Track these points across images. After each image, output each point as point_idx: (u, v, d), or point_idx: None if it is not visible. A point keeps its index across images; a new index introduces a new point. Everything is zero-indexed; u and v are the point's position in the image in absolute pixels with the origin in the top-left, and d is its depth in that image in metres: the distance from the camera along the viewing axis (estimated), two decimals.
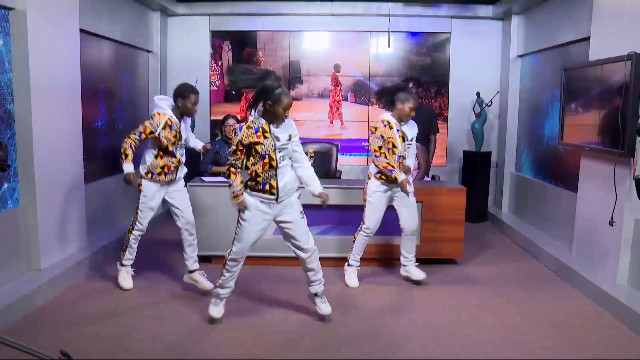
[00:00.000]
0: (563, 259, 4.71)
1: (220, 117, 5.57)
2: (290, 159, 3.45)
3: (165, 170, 4.02)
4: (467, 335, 3.44)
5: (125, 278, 4.19)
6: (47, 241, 4.20)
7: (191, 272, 4.17)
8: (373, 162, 4.21)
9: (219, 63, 7.35)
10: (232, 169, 3.32)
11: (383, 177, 4.20)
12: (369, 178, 4.28)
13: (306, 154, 4.96)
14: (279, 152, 3.32)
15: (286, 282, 4.34)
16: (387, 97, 4.23)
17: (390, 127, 4.16)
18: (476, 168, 6.85)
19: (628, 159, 3.81)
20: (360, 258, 4.42)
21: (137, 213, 4.07)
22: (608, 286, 3.96)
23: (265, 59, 7.30)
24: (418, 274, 4.36)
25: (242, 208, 3.35)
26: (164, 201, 4.14)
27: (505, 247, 5.76)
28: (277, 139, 3.31)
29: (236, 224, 3.43)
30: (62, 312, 3.70)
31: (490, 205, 7.16)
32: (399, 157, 4.19)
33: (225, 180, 4.90)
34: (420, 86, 6.09)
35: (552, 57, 5.84)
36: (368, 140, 4.29)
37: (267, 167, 3.30)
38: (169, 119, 3.94)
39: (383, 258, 4.85)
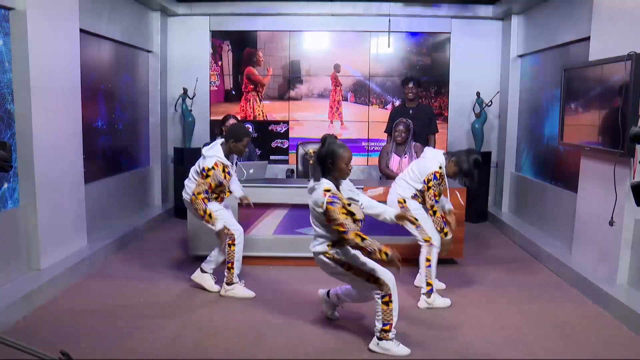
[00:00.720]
0: (563, 259, 4.71)
1: (220, 117, 5.56)
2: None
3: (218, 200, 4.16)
4: (467, 335, 3.44)
5: (243, 289, 4.10)
6: (47, 241, 4.19)
7: (204, 271, 4.22)
8: (427, 203, 3.99)
9: (219, 63, 7.35)
10: (357, 233, 3.07)
11: (419, 199, 4.05)
12: (404, 202, 4.05)
13: (306, 154, 4.99)
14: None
15: (286, 282, 4.34)
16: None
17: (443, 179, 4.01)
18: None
19: (628, 159, 3.81)
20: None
21: (226, 228, 4.05)
22: (608, 286, 3.96)
23: (265, 59, 7.30)
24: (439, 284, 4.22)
25: (397, 258, 3.07)
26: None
27: (505, 247, 5.76)
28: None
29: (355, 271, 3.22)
30: (62, 312, 3.70)
31: (490, 205, 7.16)
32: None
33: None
34: (420, 86, 6.09)
35: (552, 57, 5.84)
36: (420, 175, 4.05)
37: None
38: (225, 167, 4.01)
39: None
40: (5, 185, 3.88)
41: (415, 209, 4.00)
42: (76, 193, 4.69)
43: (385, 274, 3.21)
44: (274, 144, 7.39)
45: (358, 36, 7.28)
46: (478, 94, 6.90)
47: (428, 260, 3.99)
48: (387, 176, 5.38)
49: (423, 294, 3.98)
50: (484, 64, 7.14)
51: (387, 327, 3.19)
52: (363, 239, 3.03)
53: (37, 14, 4.00)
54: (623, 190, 3.86)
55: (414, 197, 4.04)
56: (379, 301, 3.20)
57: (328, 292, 3.64)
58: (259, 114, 7.39)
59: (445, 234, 3.94)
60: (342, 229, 3.04)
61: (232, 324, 3.57)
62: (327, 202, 3.04)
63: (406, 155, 5.23)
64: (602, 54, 4.20)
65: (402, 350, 3.20)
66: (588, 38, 4.56)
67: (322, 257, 3.25)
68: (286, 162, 7.36)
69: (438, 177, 3.95)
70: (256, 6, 7.06)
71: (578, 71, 4.59)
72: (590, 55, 4.45)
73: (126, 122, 6.20)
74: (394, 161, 5.27)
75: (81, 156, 4.78)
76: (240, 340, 3.34)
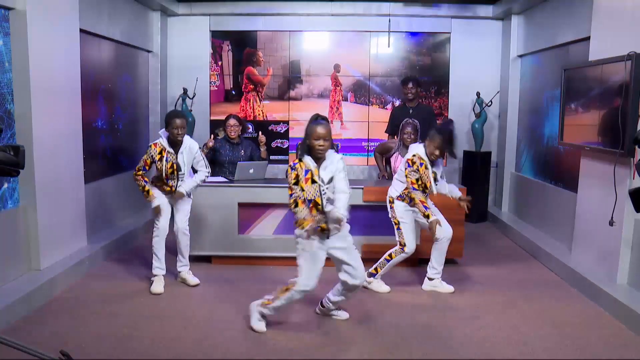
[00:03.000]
0: (563, 259, 4.71)
1: (220, 117, 5.57)
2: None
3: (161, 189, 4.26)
4: (467, 335, 3.44)
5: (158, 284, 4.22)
6: (47, 241, 4.19)
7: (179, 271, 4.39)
8: (410, 194, 4.05)
9: (219, 63, 7.35)
10: (296, 199, 3.29)
11: (406, 200, 4.12)
12: (392, 202, 4.18)
13: None
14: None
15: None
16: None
17: (426, 167, 4.06)
18: (476, 168, 6.84)
19: (628, 159, 3.81)
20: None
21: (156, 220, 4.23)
22: (608, 286, 3.96)
23: (265, 59, 7.30)
24: (447, 288, 4.25)
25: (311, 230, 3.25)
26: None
27: (505, 247, 5.76)
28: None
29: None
30: (62, 312, 3.70)
31: (490, 205, 7.16)
32: (427, 194, 4.12)
33: (226, 180, 4.92)
34: (420, 86, 6.07)
35: (552, 57, 5.84)
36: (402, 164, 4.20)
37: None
38: (163, 150, 4.14)
39: None
40: (5, 185, 3.88)
41: (400, 211, 4.14)
42: (76, 193, 4.68)
43: (302, 279, 3.33)
44: (274, 144, 7.38)
45: (358, 36, 7.28)
46: (478, 94, 6.90)
47: (391, 256, 4.19)
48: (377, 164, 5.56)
49: (428, 277, 4.29)
50: (484, 64, 7.14)
51: (266, 302, 3.46)
52: (296, 206, 3.29)
53: (37, 14, 4.00)
54: (623, 190, 3.85)
55: (400, 197, 4.14)
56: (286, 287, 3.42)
57: (321, 303, 3.71)
58: (259, 114, 7.39)
59: (428, 217, 3.93)
60: (289, 192, 3.32)
61: (232, 324, 3.57)
62: (289, 166, 3.35)
63: None
64: (602, 54, 4.20)
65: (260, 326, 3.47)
66: (588, 38, 4.56)
67: None
68: (286, 162, 7.36)
69: (411, 164, 4.04)
70: (256, 6, 7.06)
71: (578, 71, 4.59)
72: (590, 55, 4.45)
73: (126, 122, 6.20)
74: (400, 161, 5.23)
75: (81, 156, 4.78)
76: (240, 340, 3.35)
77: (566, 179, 5.35)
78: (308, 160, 3.32)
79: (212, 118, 7.30)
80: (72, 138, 4.61)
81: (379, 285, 4.26)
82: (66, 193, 4.51)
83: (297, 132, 7.35)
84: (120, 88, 6.04)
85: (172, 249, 4.43)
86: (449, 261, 4.95)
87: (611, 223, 3.85)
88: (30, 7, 3.91)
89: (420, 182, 4.03)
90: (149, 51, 6.79)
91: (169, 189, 4.20)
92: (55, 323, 3.50)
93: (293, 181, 3.32)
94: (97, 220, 5.24)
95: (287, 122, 7.38)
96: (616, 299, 3.75)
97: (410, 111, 5.81)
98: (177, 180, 4.18)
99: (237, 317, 3.67)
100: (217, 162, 5.25)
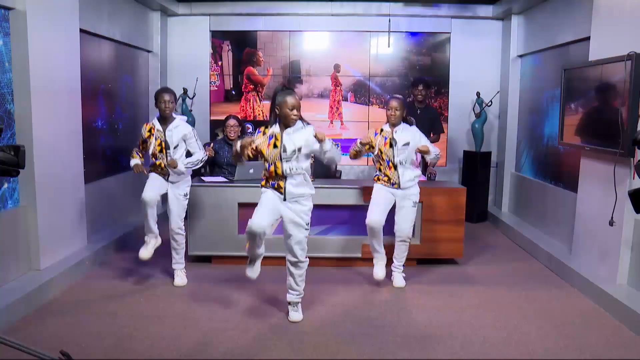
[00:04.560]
0: (563, 259, 4.71)
1: (220, 117, 5.57)
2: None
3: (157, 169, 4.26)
4: (467, 335, 3.44)
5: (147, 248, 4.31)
6: (47, 241, 4.19)
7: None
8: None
9: (219, 63, 7.35)
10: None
11: (380, 179, 4.32)
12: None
13: None
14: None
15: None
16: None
17: (383, 136, 4.29)
18: (476, 168, 6.85)
19: (628, 159, 3.81)
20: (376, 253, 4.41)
21: None
22: (608, 286, 3.96)
23: (265, 59, 7.30)
24: (398, 282, 4.37)
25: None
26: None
27: (505, 247, 5.76)
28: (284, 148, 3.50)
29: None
30: (62, 312, 3.70)
31: (490, 205, 7.16)
32: (388, 161, 4.24)
33: (226, 180, 4.92)
34: (429, 87, 6.13)
35: (552, 57, 5.84)
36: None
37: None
38: (152, 128, 4.18)
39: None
40: (5, 185, 3.88)
41: (373, 191, 4.38)
42: (76, 193, 4.69)
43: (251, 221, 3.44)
44: None
45: (358, 36, 7.28)
46: (478, 94, 6.90)
47: None
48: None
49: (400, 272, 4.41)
50: (484, 64, 7.14)
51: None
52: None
53: (37, 14, 4.00)
54: (623, 190, 3.85)
55: (376, 176, 4.38)
56: None
57: None
58: (259, 114, 7.39)
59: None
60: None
61: (232, 324, 3.57)
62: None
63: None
64: (602, 54, 4.20)
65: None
66: (588, 38, 4.56)
67: None
68: None
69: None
70: (256, 6, 7.06)
71: (578, 71, 4.59)
72: (590, 55, 4.45)
73: (126, 122, 6.19)
74: None
75: (81, 156, 4.78)
76: (240, 340, 3.35)
77: (566, 179, 5.35)
78: (274, 128, 3.56)
79: (212, 118, 7.30)
80: (72, 138, 4.61)
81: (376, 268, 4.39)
82: (66, 193, 4.51)
83: None
84: (120, 88, 6.04)
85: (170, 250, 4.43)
86: (449, 261, 4.96)
87: (611, 223, 3.85)
88: (30, 7, 3.91)
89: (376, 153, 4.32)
90: (149, 51, 6.79)
91: (159, 163, 4.18)
92: (55, 323, 3.50)
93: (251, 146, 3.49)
94: (97, 220, 5.24)
95: None
96: (616, 299, 3.75)
97: (418, 112, 5.80)
98: (166, 159, 4.16)
99: (237, 317, 3.67)
100: (217, 162, 5.25)
